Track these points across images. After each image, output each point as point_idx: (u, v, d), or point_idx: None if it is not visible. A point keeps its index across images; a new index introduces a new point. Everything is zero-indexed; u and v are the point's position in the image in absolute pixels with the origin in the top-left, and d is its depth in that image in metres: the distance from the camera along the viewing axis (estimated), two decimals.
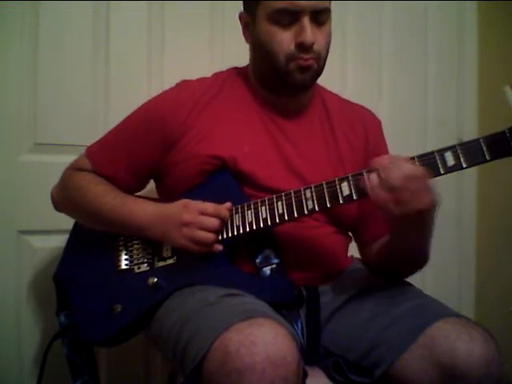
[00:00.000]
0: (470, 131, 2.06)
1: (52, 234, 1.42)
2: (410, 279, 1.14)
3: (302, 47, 1.07)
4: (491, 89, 2.05)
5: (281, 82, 1.12)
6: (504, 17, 2.02)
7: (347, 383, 0.99)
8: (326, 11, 1.09)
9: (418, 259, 1.10)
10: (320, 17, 1.08)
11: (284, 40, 1.07)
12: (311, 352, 1.06)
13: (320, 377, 1.01)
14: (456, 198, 2.05)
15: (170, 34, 1.58)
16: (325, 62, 1.13)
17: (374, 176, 0.94)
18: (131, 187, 1.19)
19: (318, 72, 1.13)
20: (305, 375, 0.88)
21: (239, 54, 1.24)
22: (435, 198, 0.94)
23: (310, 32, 1.06)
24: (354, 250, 1.26)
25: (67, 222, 1.23)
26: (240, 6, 1.20)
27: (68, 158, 1.23)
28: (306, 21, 1.06)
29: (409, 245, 1.03)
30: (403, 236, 1.02)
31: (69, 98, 1.47)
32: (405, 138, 1.85)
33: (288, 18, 1.06)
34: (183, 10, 1.59)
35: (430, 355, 0.90)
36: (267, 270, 1.05)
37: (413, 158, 0.96)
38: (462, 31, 2.06)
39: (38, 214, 1.42)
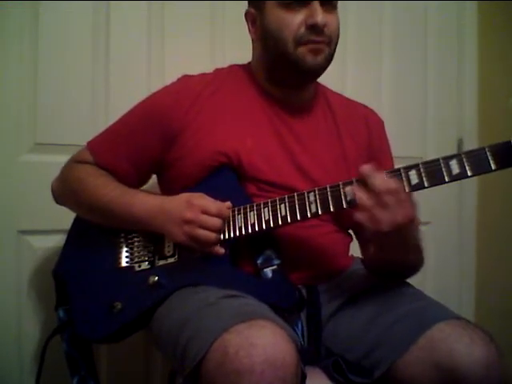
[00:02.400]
0: (470, 131, 2.06)
1: (52, 233, 1.42)
2: (410, 279, 1.14)
3: (314, 29, 1.07)
4: (491, 89, 2.06)
5: (291, 69, 1.11)
6: (504, 17, 2.02)
7: (347, 383, 0.99)
8: (334, 0, 1.11)
9: (408, 267, 1.10)
10: (329, 3, 1.10)
11: (294, 23, 1.08)
12: (313, 352, 1.06)
13: (320, 377, 1.01)
14: (456, 198, 2.05)
15: (170, 33, 1.58)
16: (335, 48, 1.13)
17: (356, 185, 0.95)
18: (133, 181, 1.18)
19: (330, 57, 1.13)
20: (304, 377, 0.87)
21: (240, 54, 1.24)
22: (413, 212, 0.93)
23: (321, 14, 1.07)
24: (355, 250, 1.26)
25: (67, 221, 1.23)
26: (240, 6, 1.20)
27: (68, 158, 1.23)
28: (316, 4, 1.07)
29: (393, 258, 1.03)
30: (385, 252, 1.02)
31: (69, 98, 1.47)
32: (405, 138, 1.85)
33: (298, 2, 1.08)
34: (183, 10, 1.59)
35: (430, 357, 0.90)
36: (268, 271, 1.05)
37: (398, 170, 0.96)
38: (461, 31, 2.07)
39: (38, 214, 1.42)
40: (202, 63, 1.31)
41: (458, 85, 2.06)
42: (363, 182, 0.93)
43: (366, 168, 0.94)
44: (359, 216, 0.93)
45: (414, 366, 0.92)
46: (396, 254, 1.01)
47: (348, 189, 0.96)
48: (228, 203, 1.05)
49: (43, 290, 1.41)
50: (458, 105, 2.07)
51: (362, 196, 0.92)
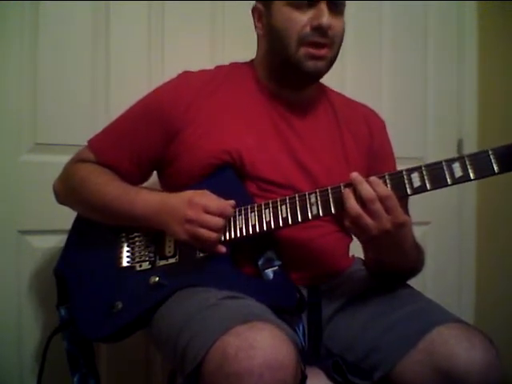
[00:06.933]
0: (470, 131, 2.06)
1: (52, 233, 1.42)
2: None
3: (318, 30, 1.08)
4: (491, 89, 2.06)
5: (292, 70, 1.12)
6: (504, 17, 2.02)
7: None
8: (342, 4, 1.13)
9: (407, 270, 1.09)
10: (336, 7, 1.10)
11: (300, 22, 1.09)
12: (313, 352, 1.06)
13: (320, 377, 1.01)
14: (456, 198, 2.05)
15: (170, 33, 1.58)
16: (338, 51, 1.14)
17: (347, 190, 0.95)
18: (135, 178, 1.18)
19: (332, 61, 1.14)
20: (304, 378, 0.87)
21: (240, 54, 1.24)
22: (403, 217, 0.93)
23: (327, 16, 1.07)
24: (356, 250, 1.25)
25: (67, 221, 1.23)
26: (240, 6, 1.20)
27: (68, 158, 1.23)
28: (323, 6, 1.08)
29: (390, 261, 1.03)
30: (381, 255, 1.03)
31: (69, 98, 1.47)
32: (405, 139, 1.85)
33: (306, 2, 1.08)
34: (183, 10, 1.59)
35: (430, 361, 0.90)
36: (269, 272, 1.05)
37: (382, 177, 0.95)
38: (461, 31, 2.07)
39: (38, 214, 1.42)
40: (201, 63, 1.31)
41: (458, 85, 2.06)
42: (353, 189, 0.94)
43: (355, 175, 0.94)
44: (347, 224, 0.95)
45: (414, 370, 0.91)
46: (392, 257, 1.01)
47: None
48: (232, 201, 1.05)
49: (43, 290, 1.41)
50: (457, 105, 2.07)
51: (350, 204, 0.93)
